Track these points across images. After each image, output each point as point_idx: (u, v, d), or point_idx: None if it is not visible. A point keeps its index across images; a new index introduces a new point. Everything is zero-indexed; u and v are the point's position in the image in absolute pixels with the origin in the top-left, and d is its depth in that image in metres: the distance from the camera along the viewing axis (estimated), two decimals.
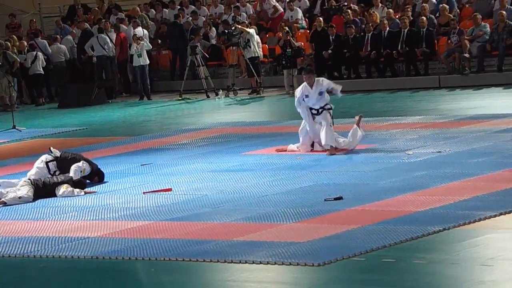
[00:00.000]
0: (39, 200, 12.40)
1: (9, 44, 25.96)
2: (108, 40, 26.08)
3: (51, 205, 12.08)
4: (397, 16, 23.72)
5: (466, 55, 21.95)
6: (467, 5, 24.09)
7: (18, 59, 25.27)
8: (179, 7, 28.21)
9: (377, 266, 8.29)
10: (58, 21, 28.99)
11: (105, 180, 13.31)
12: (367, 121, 16.92)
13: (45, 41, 27.15)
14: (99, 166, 13.37)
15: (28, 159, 15.88)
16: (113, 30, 26.64)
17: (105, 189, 12.74)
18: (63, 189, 12.53)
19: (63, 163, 13.12)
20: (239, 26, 23.81)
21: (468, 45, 21.95)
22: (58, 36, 27.83)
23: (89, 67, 26.78)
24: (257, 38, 24.01)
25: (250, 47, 23.71)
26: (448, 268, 8.08)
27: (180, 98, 24.42)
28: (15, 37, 27.31)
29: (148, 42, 25.78)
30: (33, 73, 26.12)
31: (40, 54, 26.11)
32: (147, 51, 25.31)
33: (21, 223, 11.14)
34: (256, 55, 23.81)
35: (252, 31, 23.84)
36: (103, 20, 27.30)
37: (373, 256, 8.50)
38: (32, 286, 8.92)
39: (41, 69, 26.16)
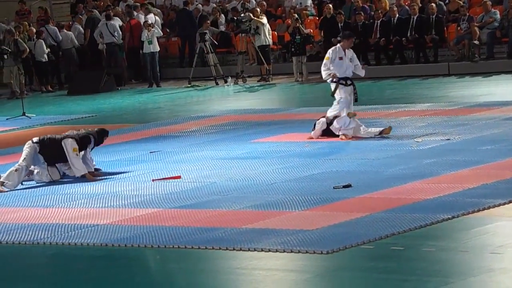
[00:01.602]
0: (48, 187, 12.45)
1: (14, 30, 25.95)
2: (118, 27, 26.06)
3: (60, 192, 12.12)
4: (406, 3, 23.64)
5: (476, 42, 21.88)
6: None
7: (27, 47, 25.26)
8: None
9: (386, 254, 8.29)
10: (80, 6, 28.84)
11: (114, 168, 13.33)
12: (376, 109, 16.92)
13: (55, 28, 27.15)
14: (93, 131, 13.08)
15: None
16: (119, 17, 26.62)
17: (115, 177, 12.76)
18: (72, 147, 12.46)
19: (50, 146, 12.67)
20: (254, 18, 23.65)
21: (478, 32, 21.87)
22: (68, 22, 27.85)
23: (95, 54, 26.72)
24: (268, 26, 23.94)
25: (259, 34, 23.69)
26: (458, 256, 8.09)
27: (189, 85, 24.42)
28: (26, 23, 27.31)
29: (159, 29, 25.74)
30: (37, 60, 26.11)
31: (41, 42, 26.06)
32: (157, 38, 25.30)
33: (30, 210, 11.18)
34: (267, 43, 23.77)
35: (264, 19, 23.82)
36: (112, 7, 27.30)
37: (382, 244, 8.51)
38: (42, 273, 8.96)
39: (45, 57, 26.10)
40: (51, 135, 12.93)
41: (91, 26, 26.77)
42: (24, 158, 12.59)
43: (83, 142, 12.77)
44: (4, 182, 12.50)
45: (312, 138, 14.23)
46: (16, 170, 12.50)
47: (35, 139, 12.77)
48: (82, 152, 12.79)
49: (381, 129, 14.04)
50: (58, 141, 12.67)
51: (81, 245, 9.41)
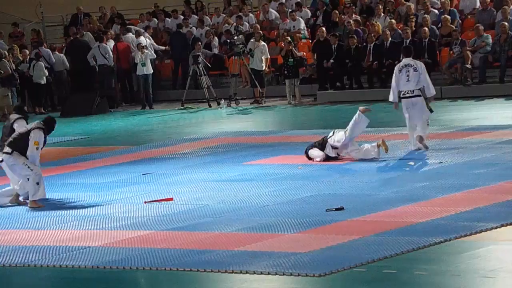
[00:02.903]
0: (40, 210, 12.39)
1: (6, 53, 25.94)
2: (109, 50, 26.12)
3: (52, 214, 12.07)
4: (399, 27, 23.74)
5: (468, 66, 21.97)
6: (469, 16, 24.11)
7: (9, 70, 25.15)
8: (182, 16, 28.26)
9: (378, 277, 8.28)
10: (72, 29, 28.87)
11: (106, 190, 13.30)
12: (369, 132, 16.93)
13: (49, 50, 27.17)
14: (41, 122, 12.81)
15: None
16: (111, 39, 26.72)
17: (107, 199, 12.73)
18: (34, 140, 12.37)
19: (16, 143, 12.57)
20: (261, 42, 23.81)
21: (470, 56, 21.96)
22: (62, 45, 27.89)
23: (85, 76, 26.73)
24: (266, 52, 24.01)
25: (252, 56, 23.78)
26: (450, 279, 8.07)
27: (182, 108, 24.45)
28: (16, 46, 27.32)
29: (153, 51, 25.80)
30: (35, 82, 26.12)
31: (41, 64, 26.07)
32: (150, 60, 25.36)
33: (22, 232, 11.14)
34: (260, 68, 23.85)
35: (265, 45, 23.99)
36: (105, 30, 27.40)
37: (374, 267, 8.49)
38: None
39: (44, 80, 26.12)
40: (15, 135, 12.64)
41: (71, 51, 26.83)
42: (28, 167, 12.49)
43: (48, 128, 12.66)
44: (36, 201, 12.48)
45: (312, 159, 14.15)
46: (38, 184, 12.47)
47: (6, 150, 12.52)
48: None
49: (375, 144, 13.99)
50: (27, 135, 12.48)
51: (72, 267, 9.37)
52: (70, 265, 9.41)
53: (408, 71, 14.41)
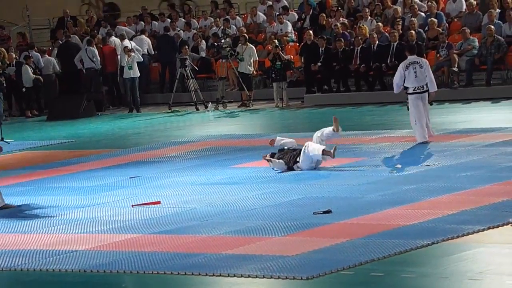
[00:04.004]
0: (26, 214, 12.34)
1: None
2: (97, 53, 26.08)
3: (38, 218, 12.04)
4: (386, 30, 23.80)
5: (455, 69, 22.03)
6: (455, 19, 24.19)
7: None
8: (169, 19, 28.24)
9: (366, 280, 8.28)
10: (60, 32, 28.84)
11: (93, 193, 13.26)
12: (356, 135, 16.97)
13: (38, 54, 27.10)
14: None
15: (15, 172, 15.87)
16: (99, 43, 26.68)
17: (94, 202, 12.70)
18: None
19: None
20: (248, 45, 23.85)
21: (457, 59, 22.03)
22: (48, 48, 27.80)
23: (72, 80, 26.68)
24: (255, 54, 24.06)
25: (242, 60, 23.81)
26: (437, 282, 8.09)
27: (169, 111, 24.43)
28: (3, 49, 27.22)
29: (139, 54, 25.76)
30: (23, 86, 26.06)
31: (27, 67, 25.98)
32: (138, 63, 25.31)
33: (8, 236, 11.09)
34: (248, 71, 23.89)
35: (253, 48, 24.02)
36: (95, 32, 27.34)
37: (362, 270, 8.50)
38: None
39: (30, 83, 26.04)
40: None
41: (62, 54, 26.76)
42: None
43: None
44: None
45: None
46: None
47: None
48: None
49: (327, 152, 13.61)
50: None
51: (59, 271, 9.34)
52: (56, 269, 9.38)
53: (415, 68, 15.20)
